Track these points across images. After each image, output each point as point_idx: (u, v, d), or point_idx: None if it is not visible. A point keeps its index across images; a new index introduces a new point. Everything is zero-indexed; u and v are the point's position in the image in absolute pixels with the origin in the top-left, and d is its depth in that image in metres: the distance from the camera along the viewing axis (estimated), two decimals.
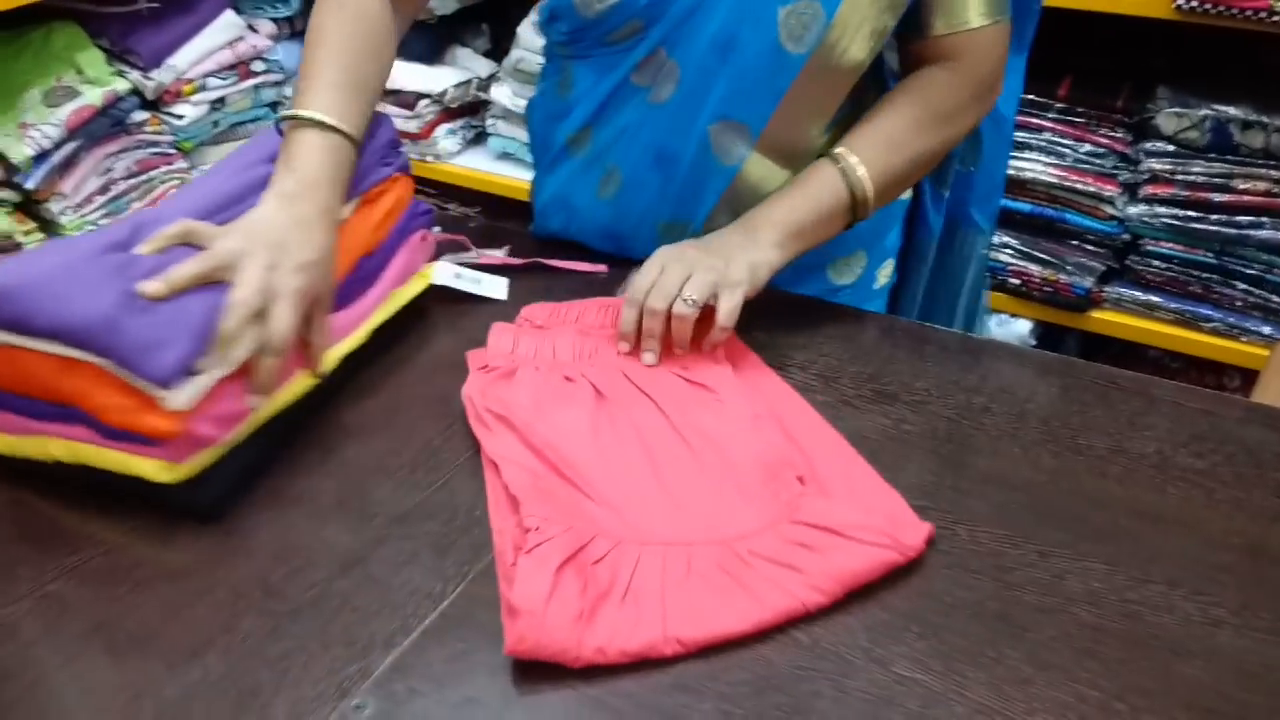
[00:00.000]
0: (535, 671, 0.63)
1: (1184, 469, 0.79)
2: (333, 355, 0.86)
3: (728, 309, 0.84)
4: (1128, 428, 0.83)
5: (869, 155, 0.92)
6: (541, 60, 1.21)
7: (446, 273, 0.99)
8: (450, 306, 0.99)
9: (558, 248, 1.09)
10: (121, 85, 1.90)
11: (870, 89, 0.98)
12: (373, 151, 0.92)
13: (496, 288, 1.01)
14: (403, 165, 0.98)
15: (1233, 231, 1.45)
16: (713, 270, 0.85)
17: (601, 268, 1.04)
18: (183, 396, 0.72)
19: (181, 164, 2.04)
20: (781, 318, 0.96)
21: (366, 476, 0.79)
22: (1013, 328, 1.70)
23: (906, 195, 1.09)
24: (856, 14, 0.88)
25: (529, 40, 2.01)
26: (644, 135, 0.97)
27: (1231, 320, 1.50)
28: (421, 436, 0.83)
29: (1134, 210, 1.52)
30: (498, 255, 1.06)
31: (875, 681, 0.62)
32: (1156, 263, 1.54)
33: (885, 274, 1.11)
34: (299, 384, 0.83)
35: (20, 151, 1.78)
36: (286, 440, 0.83)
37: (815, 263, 1.02)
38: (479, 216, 1.12)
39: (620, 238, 1.04)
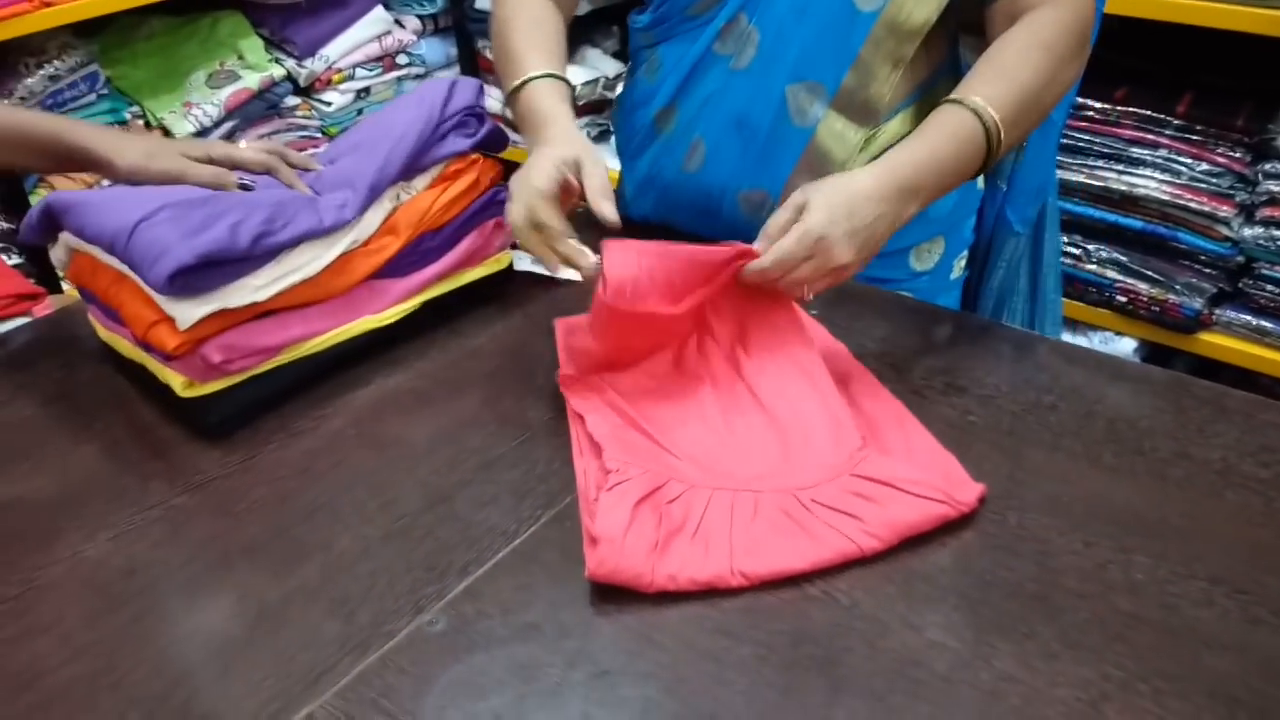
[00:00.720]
0: (590, 606, 0.69)
1: (1246, 477, 0.79)
2: (378, 320, 0.94)
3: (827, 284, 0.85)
4: (1195, 434, 0.84)
5: (996, 97, 0.89)
6: None
7: (524, 260, 1.06)
8: (546, 281, 1.06)
9: (646, 233, 1.15)
10: (278, 72, 2.06)
11: (942, 68, 1.03)
12: (445, 118, 0.97)
13: (572, 273, 1.07)
14: (487, 138, 1.01)
15: None
16: (854, 265, 0.84)
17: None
18: (190, 316, 0.82)
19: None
20: (863, 308, 1.00)
21: (459, 427, 0.87)
22: (1117, 346, 1.68)
23: (980, 186, 1.11)
24: None
25: (593, 60, 2.08)
26: (726, 102, 1.04)
27: None
28: (512, 394, 0.90)
29: (1249, 232, 1.49)
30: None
31: (906, 644, 0.66)
32: (1270, 287, 1.51)
33: (960, 265, 1.14)
34: (341, 332, 0.92)
35: (182, 127, 1.94)
36: (386, 388, 0.91)
37: (898, 248, 1.06)
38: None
39: (707, 212, 1.10)
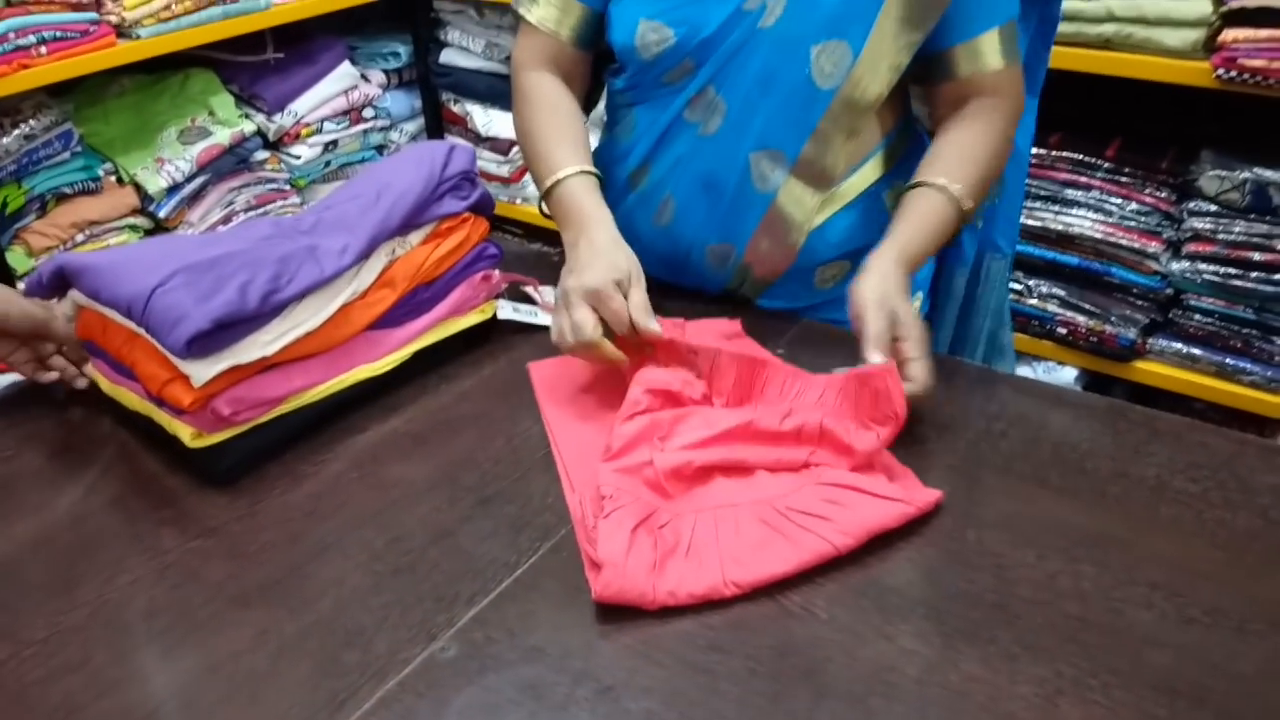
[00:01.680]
0: (591, 628, 0.74)
1: (1178, 492, 0.87)
2: (374, 369, 0.99)
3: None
4: (1131, 455, 0.92)
5: (956, 174, 1.05)
6: None
7: (506, 309, 1.13)
8: (527, 328, 1.12)
9: None
10: (248, 127, 2.11)
11: (895, 128, 1.13)
12: (443, 180, 1.04)
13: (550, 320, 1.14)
14: (479, 202, 1.08)
15: (1271, 289, 1.51)
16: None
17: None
18: (204, 374, 0.86)
19: (294, 199, 2.24)
20: (826, 346, 1.07)
21: (457, 466, 0.92)
22: (1059, 375, 1.77)
23: None
24: (879, 52, 1.03)
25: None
26: (694, 164, 1.12)
27: (1270, 374, 1.56)
28: (504, 435, 0.96)
29: (1177, 266, 1.59)
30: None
31: (881, 652, 0.72)
32: (1198, 317, 1.61)
33: (916, 304, 1.22)
34: (339, 381, 0.97)
35: (155, 183, 1.98)
36: (383, 432, 0.97)
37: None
38: (560, 254, 1.26)
39: (675, 263, 1.17)
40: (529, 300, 1.17)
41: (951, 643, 0.73)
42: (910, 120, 1.18)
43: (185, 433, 0.89)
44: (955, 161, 1.06)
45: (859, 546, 0.80)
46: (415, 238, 1.03)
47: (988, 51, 1.06)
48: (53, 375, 1.03)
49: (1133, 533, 0.83)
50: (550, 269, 1.26)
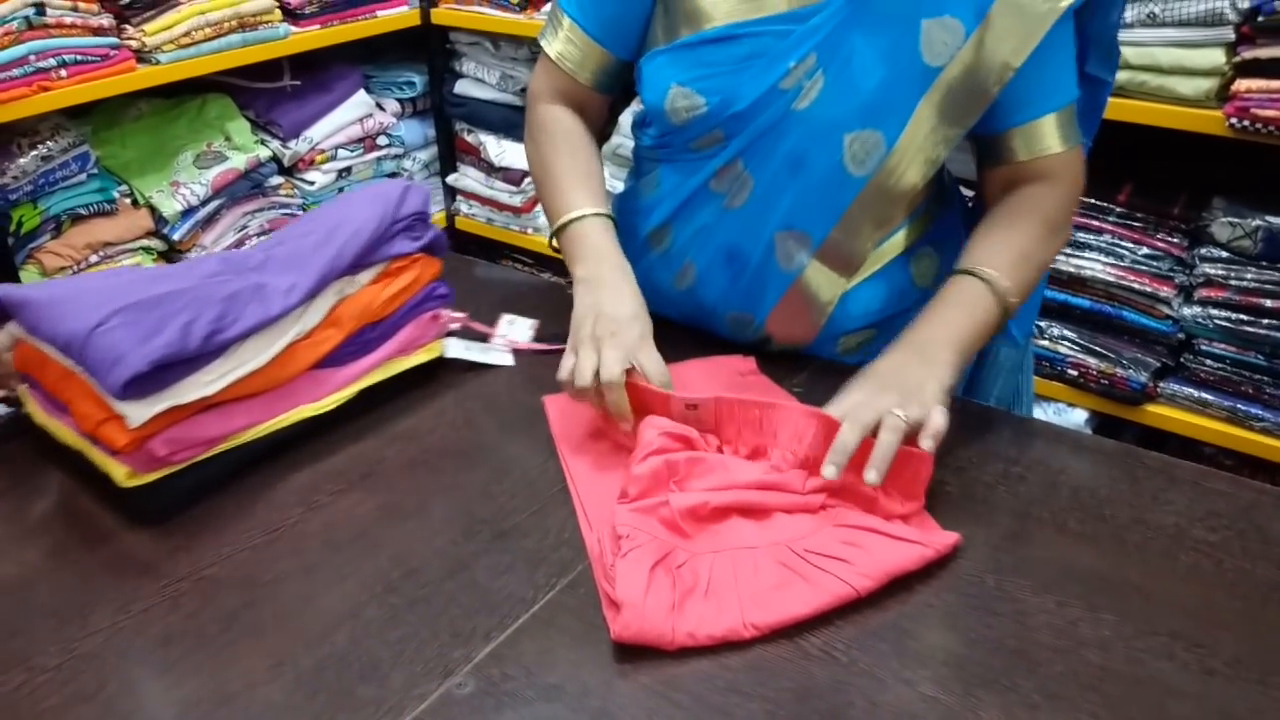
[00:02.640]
0: (609, 667, 0.74)
1: (1197, 541, 0.87)
2: (317, 409, 0.98)
3: (939, 423, 0.88)
4: (1150, 502, 0.92)
5: (1007, 269, 0.98)
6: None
7: (457, 347, 1.12)
8: (475, 366, 1.12)
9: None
10: (264, 153, 2.12)
11: (925, 202, 1.10)
12: (397, 219, 1.03)
13: (502, 357, 1.14)
14: (431, 242, 1.07)
15: None
16: (916, 405, 0.88)
17: None
18: (141, 415, 0.85)
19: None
20: (837, 383, 1.07)
21: (473, 499, 0.92)
22: (1069, 417, 1.77)
23: None
24: (914, 144, 1.00)
25: (628, 129, 2.18)
26: (718, 236, 1.10)
27: None
28: (520, 469, 0.96)
29: (1188, 311, 1.60)
30: (518, 341, 1.17)
31: (901, 698, 0.72)
32: (1210, 362, 1.62)
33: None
34: (280, 420, 0.95)
35: (170, 206, 1.99)
36: (383, 465, 0.97)
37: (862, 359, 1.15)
38: (568, 285, 1.26)
39: (698, 320, 1.17)
40: (481, 338, 1.17)
41: (971, 690, 0.72)
42: (943, 189, 1.14)
43: (119, 472, 0.87)
44: (1005, 255, 1.00)
45: (878, 589, 0.79)
46: (365, 277, 1.02)
47: (1046, 134, 1.01)
48: None
49: (1152, 581, 0.83)
50: (561, 300, 1.26)
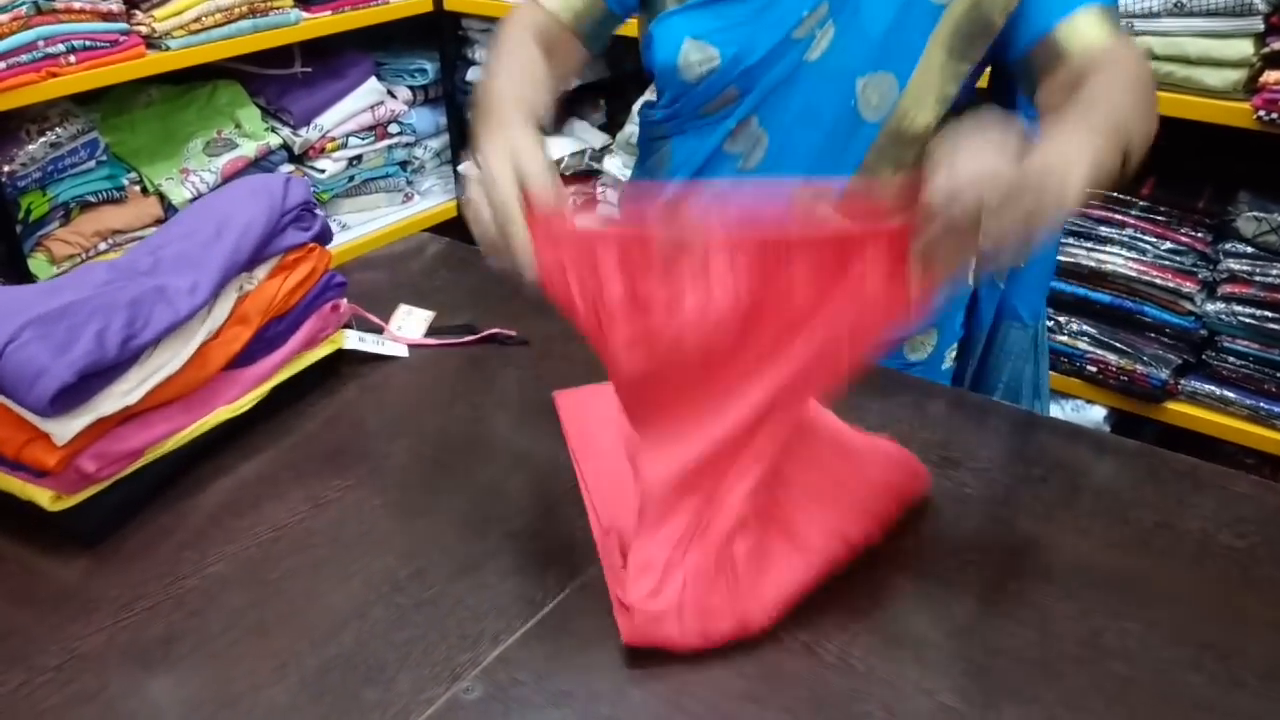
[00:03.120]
0: (620, 672, 0.72)
1: (1225, 546, 0.85)
2: (234, 410, 0.96)
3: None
4: (1175, 506, 0.90)
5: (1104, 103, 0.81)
6: None
7: (352, 338, 1.11)
8: (373, 357, 1.11)
9: None
10: (274, 140, 2.10)
11: None
12: (285, 211, 1.01)
13: (397, 349, 1.14)
14: (320, 232, 1.06)
15: None
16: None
17: (510, 331, 1.16)
18: (68, 431, 0.82)
19: (318, 213, 2.23)
20: (862, 384, 1.05)
21: (485, 497, 0.90)
22: (1088, 414, 1.75)
23: (970, 284, 1.18)
24: (925, 83, 1.01)
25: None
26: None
27: None
28: (534, 466, 0.94)
29: (1212, 307, 1.57)
30: (410, 338, 1.16)
31: (920, 709, 0.70)
32: (1232, 359, 1.59)
33: (951, 356, 1.21)
34: (201, 424, 0.93)
35: (179, 193, 1.98)
36: (393, 459, 0.95)
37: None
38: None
39: None
40: (375, 329, 1.16)
41: (993, 701, 0.70)
42: None
43: (44, 496, 0.84)
44: (1089, 105, 0.80)
45: (873, 542, 0.80)
46: (261, 272, 1.01)
47: (1089, 28, 0.92)
48: None
49: (1179, 589, 0.80)
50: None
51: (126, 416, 0.88)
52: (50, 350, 0.81)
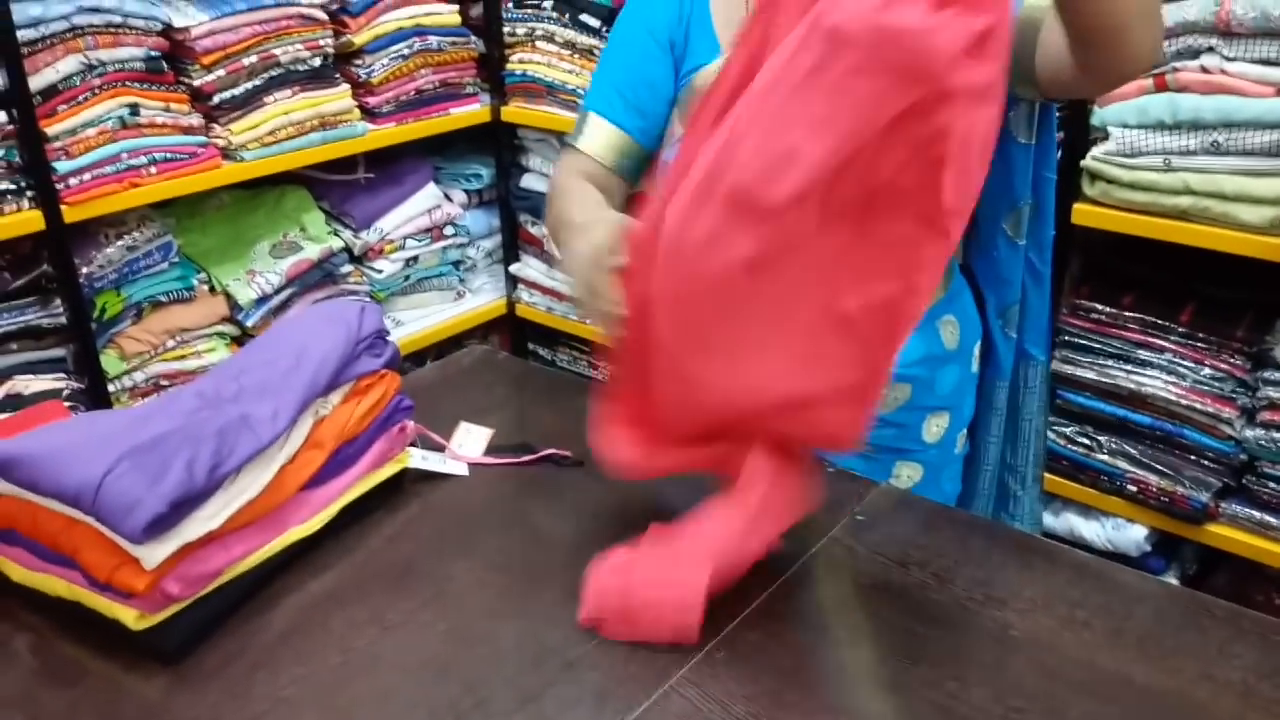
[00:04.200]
0: None
1: (1266, 699, 0.86)
2: (305, 530, 1.01)
3: None
4: (1216, 654, 0.91)
5: None
6: None
7: (417, 457, 1.16)
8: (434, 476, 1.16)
9: None
10: (336, 244, 2.19)
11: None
12: (360, 339, 1.08)
13: (459, 467, 1.18)
14: (391, 358, 1.12)
15: None
16: None
17: (566, 452, 1.21)
18: (156, 557, 0.86)
19: (389, 340, 2.31)
20: (906, 516, 1.09)
21: (541, 625, 0.94)
22: (1129, 533, 1.76)
23: (975, 368, 1.28)
24: None
25: None
26: None
27: None
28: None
29: (1251, 433, 1.59)
30: (470, 457, 1.21)
31: None
32: (1272, 484, 1.60)
33: (962, 440, 1.30)
34: (275, 544, 0.98)
35: (246, 295, 2.06)
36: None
37: (910, 422, 1.23)
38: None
39: None
40: (438, 449, 1.21)
41: None
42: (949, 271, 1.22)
43: (129, 615, 0.88)
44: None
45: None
46: (335, 397, 1.06)
47: None
48: None
49: None
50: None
51: (207, 539, 0.92)
52: (145, 481, 0.86)
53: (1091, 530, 1.80)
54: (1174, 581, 1.62)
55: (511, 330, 2.67)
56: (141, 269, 1.95)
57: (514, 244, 2.56)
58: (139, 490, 0.86)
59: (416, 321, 2.44)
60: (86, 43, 1.78)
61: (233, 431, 0.94)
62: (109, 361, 1.94)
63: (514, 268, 2.57)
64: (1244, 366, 1.60)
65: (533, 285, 2.54)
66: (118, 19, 1.81)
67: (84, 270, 1.87)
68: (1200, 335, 1.64)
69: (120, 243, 1.92)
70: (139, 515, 0.85)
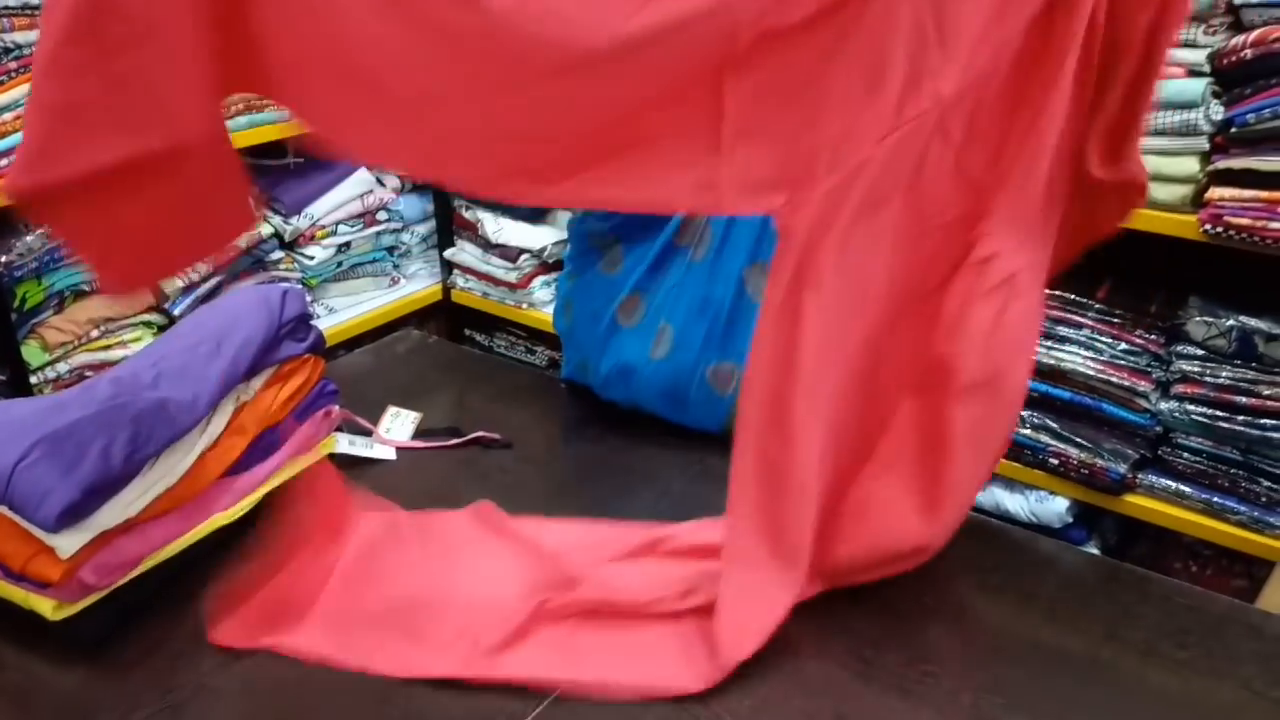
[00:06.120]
0: None
1: (1165, 658, 0.90)
2: (229, 516, 1.00)
3: None
4: (1122, 616, 0.95)
5: None
6: None
7: (343, 442, 1.17)
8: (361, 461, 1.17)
9: (618, 414, 1.27)
10: (266, 229, 2.16)
11: None
12: (283, 324, 1.07)
13: (385, 452, 1.19)
14: (314, 343, 1.11)
15: (1256, 433, 1.56)
16: None
17: (495, 435, 1.22)
18: (72, 546, 0.85)
19: (313, 325, 2.28)
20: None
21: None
22: (1050, 505, 1.80)
23: None
24: None
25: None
26: (689, 289, 1.18)
27: (1256, 514, 1.60)
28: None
29: (1165, 406, 1.64)
30: (398, 440, 1.22)
31: None
32: (1186, 455, 1.65)
33: None
34: (197, 531, 0.97)
35: (172, 282, 2.03)
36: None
37: None
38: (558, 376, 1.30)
39: (676, 396, 1.22)
40: (365, 433, 1.21)
41: None
42: None
43: (46, 606, 0.87)
44: None
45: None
46: (258, 382, 1.06)
47: None
48: None
49: (1122, 699, 0.86)
50: (547, 389, 1.31)
51: (126, 527, 0.91)
52: (58, 469, 0.85)
53: (1015, 503, 1.85)
54: (1095, 551, 1.67)
55: (447, 316, 2.65)
56: (62, 257, 1.90)
57: (448, 229, 2.55)
58: (52, 478, 0.84)
59: (350, 309, 2.41)
60: (2, 25, 1.73)
61: (150, 417, 0.93)
62: (31, 352, 1.89)
63: (449, 253, 2.56)
64: (1158, 341, 1.65)
65: (468, 270, 2.53)
66: (34, 1, 1.76)
67: (3, 259, 1.82)
68: (1116, 312, 1.68)
69: (40, 231, 1.87)
70: (52, 503, 0.84)
